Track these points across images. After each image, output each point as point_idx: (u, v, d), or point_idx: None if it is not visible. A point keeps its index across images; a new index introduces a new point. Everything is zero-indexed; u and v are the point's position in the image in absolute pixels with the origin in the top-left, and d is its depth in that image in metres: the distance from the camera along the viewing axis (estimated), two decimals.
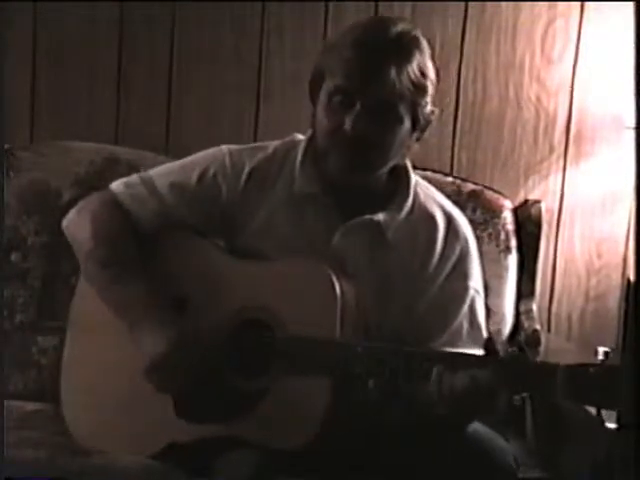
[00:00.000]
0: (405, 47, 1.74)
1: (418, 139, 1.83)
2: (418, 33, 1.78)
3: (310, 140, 1.86)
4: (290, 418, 1.71)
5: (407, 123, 1.77)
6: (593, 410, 1.56)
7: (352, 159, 1.76)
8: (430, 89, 1.78)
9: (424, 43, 1.78)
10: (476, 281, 1.87)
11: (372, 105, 1.73)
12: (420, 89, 1.75)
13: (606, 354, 1.57)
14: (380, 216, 1.83)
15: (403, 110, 1.75)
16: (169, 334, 1.73)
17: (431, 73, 1.78)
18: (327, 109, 1.77)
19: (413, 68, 1.74)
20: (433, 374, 1.62)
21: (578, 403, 1.61)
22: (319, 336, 1.71)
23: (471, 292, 1.85)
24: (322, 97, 1.78)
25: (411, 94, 1.74)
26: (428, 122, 1.81)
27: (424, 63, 1.76)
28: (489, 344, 1.69)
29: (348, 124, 1.73)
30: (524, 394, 1.61)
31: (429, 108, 1.79)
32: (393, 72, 1.72)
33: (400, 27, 1.76)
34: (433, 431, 1.73)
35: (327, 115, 1.77)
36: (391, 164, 1.83)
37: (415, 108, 1.76)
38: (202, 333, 1.75)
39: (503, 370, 1.61)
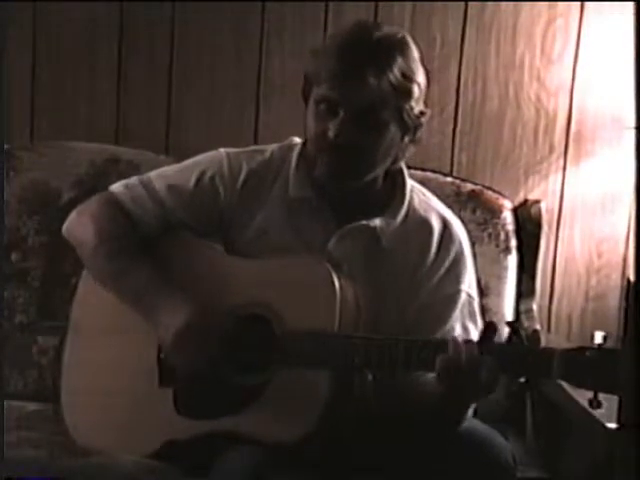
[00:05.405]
0: (384, 52, 1.73)
1: (412, 141, 1.82)
2: (403, 36, 1.77)
3: (304, 144, 1.87)
4: (289, 412, 1.72)
5: (393, 127, 1.77)
6: (590, 394, 1.57)
7: (337, 166, 1.77)
8: (416, 92, 1.76)
9: (410, 46, 1.77)
10: (469, 285, 1.87)
11: (354, 112, 1.73)
12: (403, 93, 1.74)
13: (604, 338, 1.57)
14: (376, 222, 1.83)
15: (387, 115, 1.75)
16: (187, 307, 1.74)
17: (417, 76, 1.76)
18: (314, 116, 1.78)
19: (394, 72, 1.72)
20: (433, 361, 1.62)
21: (575, 386, 1.62)
22: (318, 330, 1.71)
23: (463, 296, 1.85)
24: (310, 104, 1.79)
25: (393, 98, 1.74)
26: (418, 125, 1.80)
27: (408, 66, 1.75)
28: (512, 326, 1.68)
29: (332, 131, 1.74)
30: (522, 379, 1.62)
31: (417, 110, 1.78)
32: (372, 78, 1.71)
33: (382, 32, 1.75)
34: (432, 427, 1.74)
35: (314, 122, 1.78)
36: (381, 169, 1.83)
37: (400, 112, 1.76)
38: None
39: (501, 354, 1.61)
